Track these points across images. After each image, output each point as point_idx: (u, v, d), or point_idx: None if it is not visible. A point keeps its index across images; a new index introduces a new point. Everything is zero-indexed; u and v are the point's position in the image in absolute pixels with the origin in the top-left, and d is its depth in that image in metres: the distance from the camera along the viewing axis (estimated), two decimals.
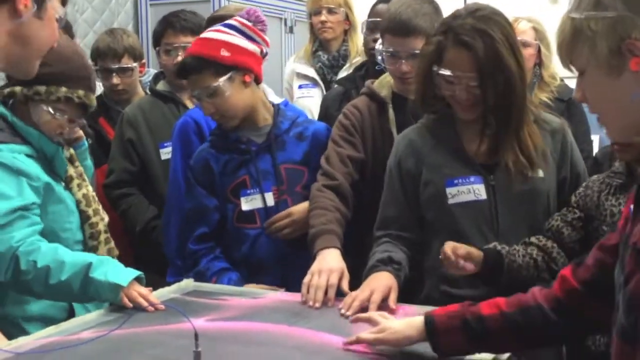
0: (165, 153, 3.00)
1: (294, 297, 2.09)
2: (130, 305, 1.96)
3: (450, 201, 2.06)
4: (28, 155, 2.12)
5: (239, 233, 2.39)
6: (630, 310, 1.08)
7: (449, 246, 1.91)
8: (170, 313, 1.89)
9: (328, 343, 1.73)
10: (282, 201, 2.40)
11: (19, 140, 2.12)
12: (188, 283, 2.28)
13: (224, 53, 2.33)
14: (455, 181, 2.07)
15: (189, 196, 2.48)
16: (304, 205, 2.37)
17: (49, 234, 2.05)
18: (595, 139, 3.84)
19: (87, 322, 1.92)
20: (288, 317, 1.92)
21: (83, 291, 1.99)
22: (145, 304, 1.97)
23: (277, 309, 2.00)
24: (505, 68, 1.97)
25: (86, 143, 2.45)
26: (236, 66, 2.34)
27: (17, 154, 2.08)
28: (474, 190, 2.05)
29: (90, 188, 2.32)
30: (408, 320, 1.62)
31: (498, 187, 2.05)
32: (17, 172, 2.05)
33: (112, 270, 1.99)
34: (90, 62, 2.41)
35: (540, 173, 2.07)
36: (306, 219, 2.31)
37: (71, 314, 2.11)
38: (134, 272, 2.02)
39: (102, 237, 2.30)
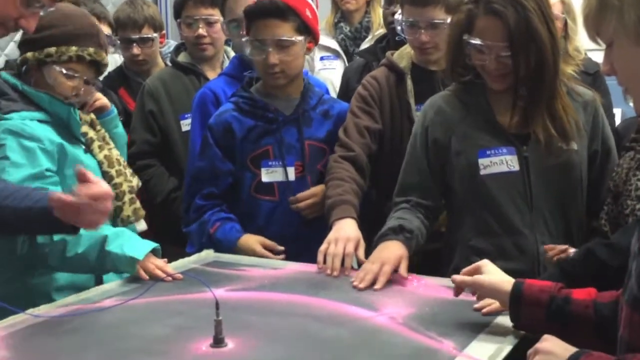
0: (186, 125, 3.00)
1: (313, 268, 2.10)
2: (147, 277, 1.98)
3: (483, 172, 2.05)
4: (41, 121, 2.12)
5: (255, 204, 2.39)
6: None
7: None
8: (191, 283, 1.91)
9: (347, 314, 1.73)
10: (302, 177, 2.40)
11: (32, 108, 2.13)
12: (208, 254, 2.29)
13: (308, 14, 2.34)
14: (488, 152, 2.05)
15: (202, 156, 2.44)
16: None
17: None
18: (618, 112, 3.81)
19: (108, 290, 1.95)
20: (307, 288, 1.92)
21: (100, 264, 2.00)
22: (162, 275, 1.99)
23: (297, 280, 2.01)
24: (537, 38, 1.94)
25: (115, 110, 2.43)
26: (311, 31, 2.36)
27: (27, 120, 2.09)
28: (506, 161, 2.04)
29: (115, 151, 2.31)
30: (501, 278, 1.62)
31: (531, 158, 2.04)
32: (28, 138, 2.05)
33: (128, 243, 2.00)
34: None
35: (574, 145, 2.05)
36: None
37: (99, 283, 2.12)
38: (150, 245, 2.03)
39: (127, 197, 2.29)
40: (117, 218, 2.29)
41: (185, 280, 1.96)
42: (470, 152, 2.07)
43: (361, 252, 2.08)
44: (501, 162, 2.04)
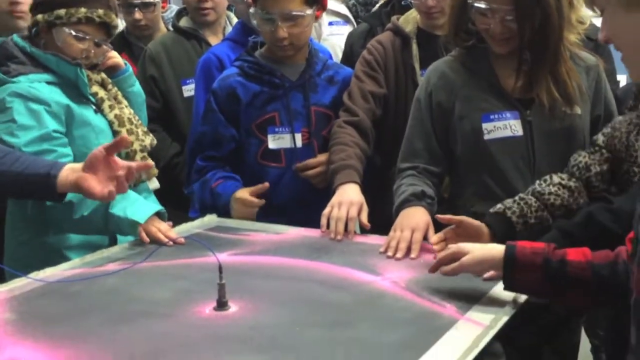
0: (188, 90, 2.99)
1: (316, 233, 2.10)
2: (148, 240, 1.98)
3: (487, 137, 2.04)
4: (49, 83, 2.11)
5: (261, 170, 2.38)
6: None
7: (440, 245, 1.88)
8: (194, 247, 1.91)
9: (350, 278, 1.74)
10: (309, 144, 2.39)
11: (40, 70, 2.12)
12: (211, 219, 2.29)
13: None
14: (492, 116, 2.04)
15: (205, 120, 2.42)
16: None
17: (81, 158, 2.02)
18: (622, 79, 3.79)
19: (112, 254, 1.95)
20: (311, 253, 1.93)
21: (105, 226, 2.02)
22: (164, 239, 1.99)
23: (300, 245, 2.01)
24: (543, 1, 1.92)
25: (130, 69, 2.40)
26: (320, 1, 2.33)
27: (35, 83, 2.08)
28: (510, 126, 2.03)
29: (127, 110, 2.29)
30: (488, 247, 1.60)
31: (535, 123, 2.03)
32: (34, 101, 2.04)
33: (131, 206, 2.01)
34: None
35: (578, 110, 2.04)
36: None
37: (114, 242, 2.13)
38: (154, 208, 2.04)
39: (139, 156, 2.28)
40: None
41: (188, 245, 1.97)
42: (473, 116, 2.06)
43: (364, 216, 2.07)
44: (505, 126, 2.03)
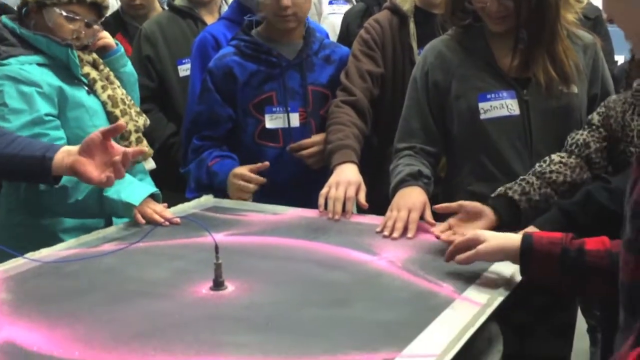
0: (183, 70, 2.97)
1: (313, 213, 2.10)
2: (143, 221, 1.98)
3: (483, 116, 2.03)
4: (40, 64, 2.09)
5: (259, 150, 2.37)
6: (633, 219, 1.06)
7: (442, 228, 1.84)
8: (191, 227, 1.91)
9: (347, 258, 1.74)
10: (306, 123, 2.38)
11: (31, 52, 2.10)
12: (208, 199, 2.29)
13: None
14: (488, 96, 2.03)
15: (201, 100, 2.41)
16: None
17: (75, 140, 2.02)
18: (620, 59, 3.77)
19: (108, 235, 1.95)
20: (308, 233, 1.93)
21: (100, 209, 2.01)
22: (160, 220, 1.98)
23: (297, 225, 2.01)
24: None
25: (122, 49, 2.39)
26: None
27: (25, 65, 2.06)
28: (507, 105, 2.02)
29: (119, 91, 2.28)
30: (505, 237, 1.56)
31: (531, 102, 2.02)
32: (25, 83, 2.03)
33: (125, 188, 2.00)
34: None
35: (575, 89, 2.03)
36: None
37: (109, 224, 2.12)
38: (147, 190, 2.03)
39: (134, 137, 2.27)
40: None
41: (184, 225, 1.96)
42: (470, 95, 2.05)
43: (362, 196, 2.07)
44: (501, 106, 2.02)
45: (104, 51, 2.32)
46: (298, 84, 2.37)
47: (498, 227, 1.82)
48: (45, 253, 1.78)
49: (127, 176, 2.08)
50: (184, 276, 1.62)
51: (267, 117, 2.35)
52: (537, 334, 2.12)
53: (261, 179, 2.25)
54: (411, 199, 1.95)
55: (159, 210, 2.02)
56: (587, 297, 1.91)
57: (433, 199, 2.15)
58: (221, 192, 2.31)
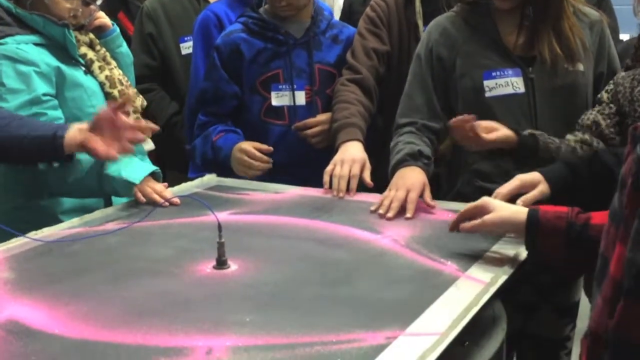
0: (186, 48, 2.96)
1: (316, 192, 2.09)
2: (144, 200, 1.97)
3: (488, 94, 2.02)
4: (37, 44, 2.07)
5: (265, 128, 2.36)
6: (620, 190, 1.06)
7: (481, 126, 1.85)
8: (194, 206, 1.90)
9: (350, 237, 1.73)
10: (312, 102, 2.37)
11: (27, 31, 2.08)
12: (211, 178, 2.28)
13: None
14: (493, 73, 2.02)
15: (208, 77, 2.41)
16: None
17: (73, 120, 2.01)
18: (626, 37, 3.75)
19: (110, 214, 1.95)
20: (310, 212, 1.92)
21: (100, 188, 2.00)
22: (159, 199, 1.98)
23: (299, 204, 2.01)
24: None
25: (117, 29, 2.37)
26: None
27: (22, 44, 2.05)
28: (512, 83, 2.00)
29: (116, 71, 2.26)
30: (514, 209, 1.53)
31: (537, 80, 2.00)
32: (23, 63, 2.01)
33: (126, 167, 1.99)
34: None
35: (580, 67, 2.01)
36: None
37: (109, 204, 2.11)
38: (148, 168, 2.02)
39: (132, 117, 2.26)
40: None
41: (187, 204, 1.95)
42: (475, 73, 2.03)
43: (367, 174, 2.06)
44: (507, 83, 2.01)
45: (100, 31, 2.30)
46: (305, 62, 2.36)
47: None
48: (48, 232, 1.78)
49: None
50: (187, 255, 1.61)
51: (273, 94, 2.34)
52: (541, 313, 2.12)
53: (265, 163, 2.24)
54: (410, 179, 1.94)
55: (159, 190, 2.01)
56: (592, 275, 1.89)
57: (433, 178, 2.14)
58: (227, 169, 2.30)
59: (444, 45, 2.09)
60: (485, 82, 2.02)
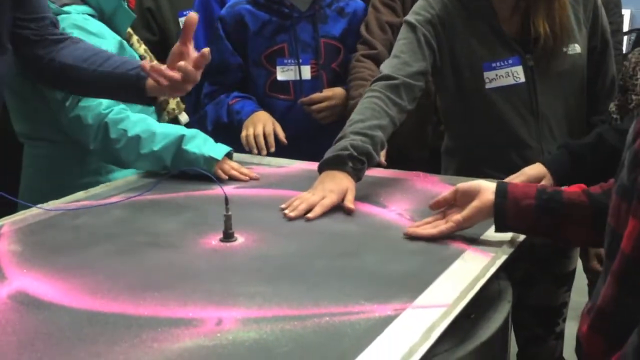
0: None
1: None
2: (226, 177, 1.97)
3: (488, 86, 2.00)
4: (90, 15, 2.07)
5: (270, 102, 2.36)
6: (633, 167, 1.06)
7: None
8: (200, 179, 1.90)
9: (356, 210, 1.73)
10: (318, 76, 2.36)
11: (79, 1, 2.07)
12: None
13: None
14: (494, 64, 2.00)
15: (212, 48, 2.39)
16: (342, 92, 2.33)
17: None
18: (627, 13, 3.74)
19: (116, 187, 1.95)
20: None
21: (175, 162, 1.97)
22: (239, 175, 1.98)
23: (306, 178, 1.99)
24: None
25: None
26: None
27: (86, 15, 2.03)
28: (512, 73, 1.99)
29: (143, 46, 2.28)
30: (481, 199, 1.49)
31: (536, 68, 1.99)
32: (93, 34, 2.00)
33: (205, 144, 1.99)
34: None
35: (578, 48, 2.01)
36: (344, 106, 2.28)
37: None
38: (226, 147, 2.02)
39: (173, 103, 2.27)
40: (162, 111, 2.28)
41: (193, 177, 1.95)
42: (474, 65, 2.01)
43: (382, 153, 2.04)
44: (507, 74, 1.99)
45: None
46: (310, 36, 2.34)
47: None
48: (53, 205, 1.78)
49: (202, 133, 2.04)
50: (194, 228, 1.62)
51: (278, 69, 2.33)
52: (540, 285, 2.14)
53: (270, 145, 2.23)
54: (330, 185, 1.75)
55: (237, 167, 2.01)
56: (564, 243, 1.90)
57: (433, 169, 2.12)
58: (236, 136, 2.28)
59: (440, 23, 2.01)
60: (486, 74, 2.00)
